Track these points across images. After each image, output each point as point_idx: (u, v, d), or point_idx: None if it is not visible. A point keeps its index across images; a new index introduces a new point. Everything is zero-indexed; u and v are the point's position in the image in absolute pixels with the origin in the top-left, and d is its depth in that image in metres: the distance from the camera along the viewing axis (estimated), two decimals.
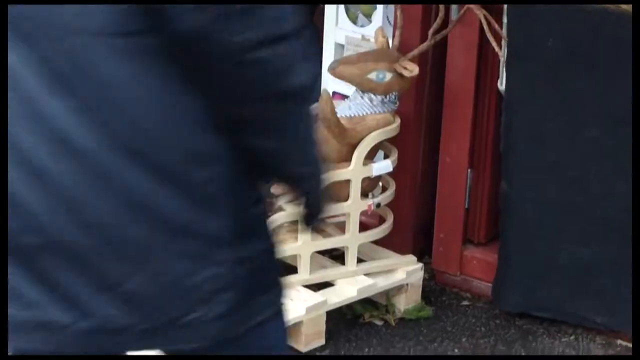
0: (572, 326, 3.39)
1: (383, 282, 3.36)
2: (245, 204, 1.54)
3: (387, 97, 3.29)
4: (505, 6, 3.19)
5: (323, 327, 3.20)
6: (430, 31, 3.30)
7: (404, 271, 3.40)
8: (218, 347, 1.57)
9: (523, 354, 3.24)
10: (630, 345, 3.31)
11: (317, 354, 3.18)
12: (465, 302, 3.58)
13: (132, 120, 1.40)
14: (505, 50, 3.23)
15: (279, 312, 1.68)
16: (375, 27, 3.62)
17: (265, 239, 1.61)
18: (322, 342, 3.21)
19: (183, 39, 1.36)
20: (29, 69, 1.39)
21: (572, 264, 3.28)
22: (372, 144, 3.25)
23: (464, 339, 3.33)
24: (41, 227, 1.43)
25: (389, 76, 3.25)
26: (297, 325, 3.12)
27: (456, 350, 3.26)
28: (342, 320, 3.38)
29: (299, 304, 3.12)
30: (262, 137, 1.48)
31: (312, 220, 1.67)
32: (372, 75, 3.24)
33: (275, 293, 1.64)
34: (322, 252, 3.38)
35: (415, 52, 3.29)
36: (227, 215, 1.50)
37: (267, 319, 1.61)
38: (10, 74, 1.39)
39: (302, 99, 1.48)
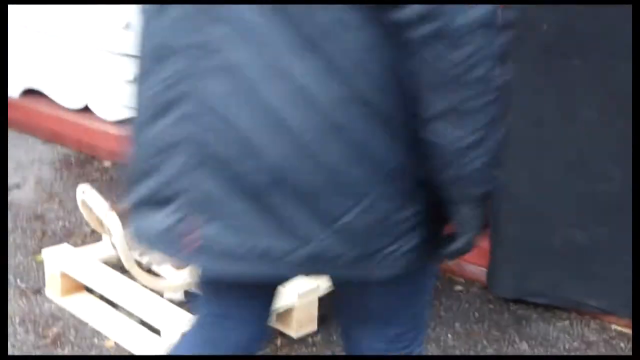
0: (566, 311, 3.37)
1: None
2: None
3: None
4: None
5: (315, 313, 3.16)
6: None
7: None
8: (400, 278, 1.74)
9: (517, 339, 3.21)
10: (624, 330, 3.30)
11: (309, 339, 3.14)
12: (459, 287, 3.57)
13: (367, 79, 1.58)
14: None
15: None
16: None
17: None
18: (314, 327, 3.18)
19: (416, 17, 1.48)
20: (279, 34, 1.57)
21: (566, 247, 3.26)
22: None
23: (457, 324, 3.30)
24: (276, 168, 1.61)
25: None
26: (289, 311, 3.09)
27: (449, 336, 3.22)
28: (333, 305, 3.32)
29: (291, 290, 3.08)
30: (451, 123, 1.57)
31: (459, 243, 1.73)
32: None
33: (440, 238, 1.76)
34: None
35: None
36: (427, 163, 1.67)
37: (431, 260, 1.80)
38: (258, 38, 1.58)
39: (497, 91, 1.55)
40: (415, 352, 1.99)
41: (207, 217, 1.67)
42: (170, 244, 1.73)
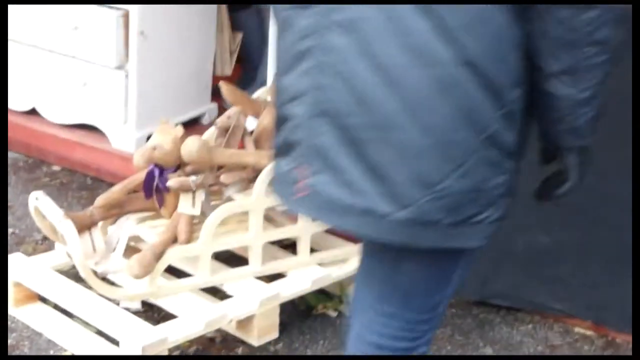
0: (529, 314, 3.34)
1: (337, 272, 3.27)
2: (525, 126, 1.83)
3: None
4: None
5: (277, 320, 3.10)
6: None
7: (358, 260, 3.30)
8: (445, 256, 1.86)
9: (481, 344, 3.18)
10: (587, 332, 3.29)
11: (271, 347, 3.08)
12: None
13: (478, 44, 1.68)
14: None
15: None
16: None
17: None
18: (276, 335, 3.11)
19: None
20: None
21: (529, 250, 3.23)
22: None
23: None
24: (385, 125, 1.71)
25: None
26: (250, 318, 3.02)
27: None
28: (294, 311, 3.28)
29: (253, 297, 3.01)
30: (574, 77, 1.71)
31: (564, 189, 1.92)
32: None
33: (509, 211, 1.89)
34: (271, 242, 3.27)
35: None
36: (518, 133, 1.79)
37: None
38: None
39: (612, 51, 1.71)
40: (421, 351, 2.02)
41: (316, 168, 1.79)
42: (284, 189, 1.87)
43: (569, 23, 1.66)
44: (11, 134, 4.40)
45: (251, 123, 3.33)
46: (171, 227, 3.02)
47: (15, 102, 4.52)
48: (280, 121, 1.88)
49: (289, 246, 3.35)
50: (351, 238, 3.40)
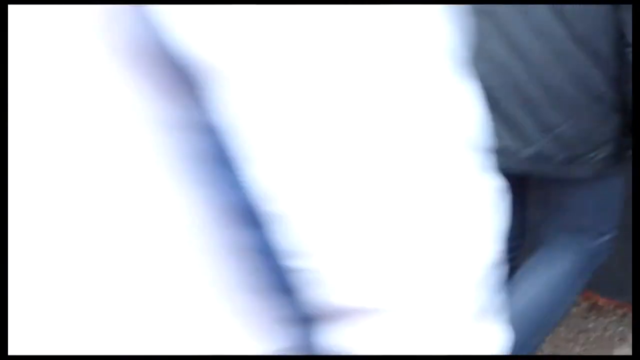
0: None
1: None
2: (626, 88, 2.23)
3: None
4: None
5: None
6: None
7: None
8: (591, 180, 2.35)
9: None
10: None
11: None
12: None
13: (586, 24, 2.13)
14: None
15: None
16: None
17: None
18: None
19: None
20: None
21: None
22: None
23: None
24: (515, 84, 2.20)
25: None
26: None
27: None
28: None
29: None
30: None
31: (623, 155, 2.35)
32: None
33: (622, 153, 2.34)
34: None
35: None
36: (620, 93, 2.21)
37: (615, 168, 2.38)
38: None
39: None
40: (607, 237, 2.57)
41: None
42: None
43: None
44: None
45: None
46: None
47: None
48: None
49: None
50: None
